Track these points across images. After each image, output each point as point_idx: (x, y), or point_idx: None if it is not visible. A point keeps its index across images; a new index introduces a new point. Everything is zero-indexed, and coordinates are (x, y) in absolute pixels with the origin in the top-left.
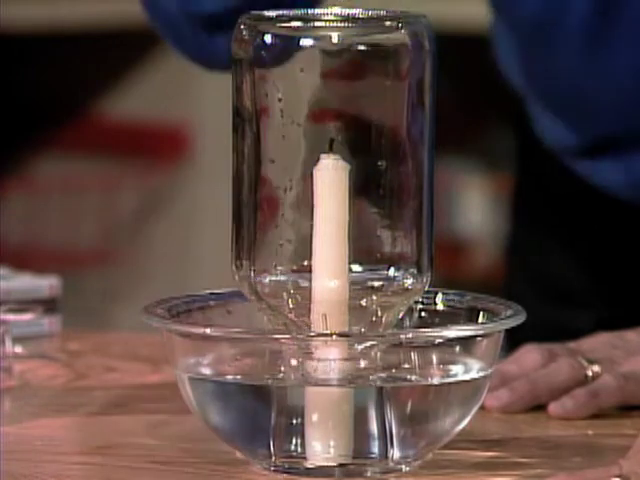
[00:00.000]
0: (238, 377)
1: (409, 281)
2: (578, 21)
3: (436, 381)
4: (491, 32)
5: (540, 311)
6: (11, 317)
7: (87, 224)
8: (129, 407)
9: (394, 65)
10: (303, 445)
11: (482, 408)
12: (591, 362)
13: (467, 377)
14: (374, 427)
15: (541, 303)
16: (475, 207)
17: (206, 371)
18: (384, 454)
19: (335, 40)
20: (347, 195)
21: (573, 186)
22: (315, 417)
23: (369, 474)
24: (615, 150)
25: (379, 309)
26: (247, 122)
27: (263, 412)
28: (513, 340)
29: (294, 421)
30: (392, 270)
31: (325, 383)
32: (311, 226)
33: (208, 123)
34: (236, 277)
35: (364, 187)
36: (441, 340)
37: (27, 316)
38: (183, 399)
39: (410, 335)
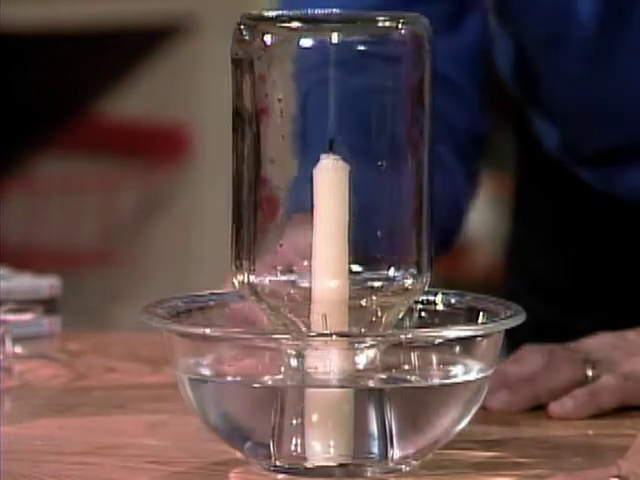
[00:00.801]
0: (238, 377)
1: (409, 281)
2: (583, 33)
3: (436, 382)
4: (491, 33)
5: (539, 312)
6: (11, 317)
7: (87, 224)
8: (129, 407)
9: (394, 65)
10: (303, 445)
11: (482, 408)
12: (591, 362)
13: (467, 378)
14: (374, 427)
15: (540, 304)
16: (475, 207)
17: (206, 371)
18: (384, 454)
19: (335, 40)
20: (347, 195)
21: (573, 188)
22: (315, 417)
23: (369, 474)
24: (614, 160)
25: (379, 309)
26: (247, 122)
27: (263, 412)
28: (512, 341)
29: (294, 421)
30: (392, 270)
31: (325, 384)
32: (311, 226)
33: (208, 123)
34: (236, 277)
35: (364, 187)
36: (441, 340)
37: (27, 316)
38: (183, 399)
39: (410, 335)
